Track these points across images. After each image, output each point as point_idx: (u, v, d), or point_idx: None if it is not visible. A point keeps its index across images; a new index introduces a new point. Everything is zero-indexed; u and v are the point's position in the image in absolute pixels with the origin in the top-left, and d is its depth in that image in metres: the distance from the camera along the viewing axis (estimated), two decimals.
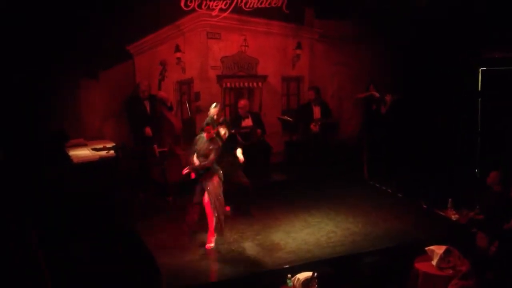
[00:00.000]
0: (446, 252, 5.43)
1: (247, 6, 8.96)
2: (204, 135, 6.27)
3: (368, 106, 9.25)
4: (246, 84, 9.22)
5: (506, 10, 8.04)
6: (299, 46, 9.55)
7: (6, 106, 6.88)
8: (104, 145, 7.35)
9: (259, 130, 8.34)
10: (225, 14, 8.83)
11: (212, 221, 6.17)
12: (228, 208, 7.38)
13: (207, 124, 6.47)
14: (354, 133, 9.87)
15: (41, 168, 6.15)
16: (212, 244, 6.22)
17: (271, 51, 9.33)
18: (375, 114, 9.13)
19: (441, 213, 7.25)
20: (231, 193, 6.94)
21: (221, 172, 6.31)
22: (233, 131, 7.48)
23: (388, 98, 8.89)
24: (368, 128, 9.34)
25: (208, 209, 6.21)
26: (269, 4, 9.12)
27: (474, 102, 9.09)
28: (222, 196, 6.26)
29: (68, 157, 6.97)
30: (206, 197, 6.21)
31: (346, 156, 9.33)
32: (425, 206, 7.56)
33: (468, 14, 8.30)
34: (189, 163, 6.39)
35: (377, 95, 8.93)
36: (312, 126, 8.76)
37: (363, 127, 9.52)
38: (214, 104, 7.37)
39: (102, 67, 8.22)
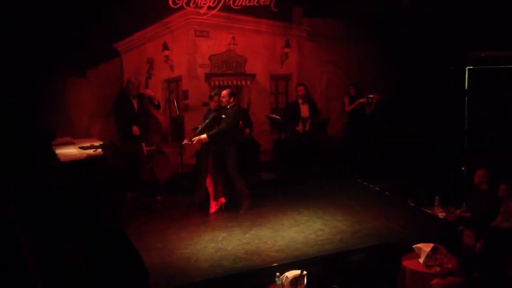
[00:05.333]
0: (433, 249, 5.48)
1: (236, 4, 8.94)
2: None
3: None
4: (234, 82, 9.21)
5: (492, 9, 8.12)
6: (287, 44, 9.55)
7: None
8: (92, 143, 7.29)
9: (247, 130, 8.34)
10: (214, 12, 8.80)
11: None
12: (223, 200, 7.42)
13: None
14: (341, 133, 9.93)
15: (28, 168, 6.09)
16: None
17: (259, 49, 9.33)
18: (359, 114, 9.18)
19: (428, 211, 7.30)
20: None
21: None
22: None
23: (375, 98, 8.94)
24: (351, 127, 9.40)
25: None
26: (258, 2, 9.11)
27: (461, 100, 9.17)
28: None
29: (55, 156, 6.91)
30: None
31: (334, 155, 9.39)
32: (412, 204, 7.61)
33: (455, 13, 8.37)
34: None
35: (364, 101, 9.01)
36: (299, 125, 8.77)
37: (346, 126, 9.59)
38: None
39: (90, 64, 8.16)
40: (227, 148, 7.28)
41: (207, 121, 7.41)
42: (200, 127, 7.41)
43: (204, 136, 7.22)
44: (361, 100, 9.06)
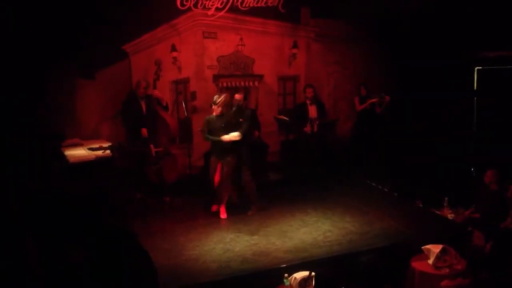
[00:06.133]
0: (442, 251, 5.45)
1: (243, 5, 8.95)
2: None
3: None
4: (242, 84, 9.20)
5: (501, 9, 8.07)
6: (295, 45, 9.54)
7: (1, 106, 6.85)
8: (100, 144, 7.32)
9: (257, 132, 8.34)
10: (221, 13, 8.81)
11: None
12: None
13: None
14: (349, 133, 9.90)
15: (37, 169, 6.13)
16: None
17: (267, 50, 9.33)
18: (369, 113, 9.15)
19: (437, 212, 7.27)
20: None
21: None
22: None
23: (386, 98, 8.94)
24: (360, 126, 9.37)
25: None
26: (265, 3, 9.11)
27: (470, 101, 9.12)
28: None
29: (64, 157, 6.95)
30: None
31: (342, 155, 9.36)
32: (421, 205, 7.58)
33: (463, 13, 8.33)
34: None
35: (376, 100, 9.00)
36: (307, 126, 8.75)
37: (356, 126, 9.55)
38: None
39: (98, 66, 8.20)
40: (244, 148, 7.29)
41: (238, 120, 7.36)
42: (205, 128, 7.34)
43: (237, 133, 7.08)
44: (373, 100, 9.04)
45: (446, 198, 7.27)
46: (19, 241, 3.81)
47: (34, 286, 3.57)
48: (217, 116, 7.18)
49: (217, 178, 7.26)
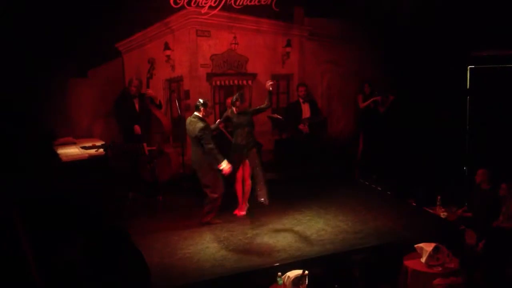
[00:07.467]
0: (435, 249, 5.48)
1: (237, 4, 8.93)
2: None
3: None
4: (235, 82, 9.20)
5: (495, 8, 8.10)
6: (288, 44, 9.54)
7: None
8: (93, 143, 7.30)
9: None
10: (215, 11, 8.79)
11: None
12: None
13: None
14: (344, 132, 9.89)
15: (29, 168, 6.10)
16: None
17: (260, 49, 9.31)
18: (372, 113, 9.13)
19: (430, 210, 7.29)
20: None
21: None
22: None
23: (390, 97, 8.95)
24: (364, 126, 9.35)
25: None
26: (259, 1, 9.10)
27: (463, 100, 9.14)
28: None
29: (56, 156, 6.91)
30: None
31: (336, 154, 9.37)
32: (414, 204, 7.61)
33: (457, 12, 8.35)
34: None
35: (379, 98, 8.99)
36: (301, 126, 8.76)
37: (360, 125, 9.52)
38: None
39: (91, 65, 8.16)
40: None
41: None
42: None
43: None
44: (376, 98, 9.03)
45: (438, 197, 7.29)
46: (17, 241, 3.80)
47: (32, 285, 3.57)
48: (239, 112, 7.14)
49: (239, 176, 7.23)
